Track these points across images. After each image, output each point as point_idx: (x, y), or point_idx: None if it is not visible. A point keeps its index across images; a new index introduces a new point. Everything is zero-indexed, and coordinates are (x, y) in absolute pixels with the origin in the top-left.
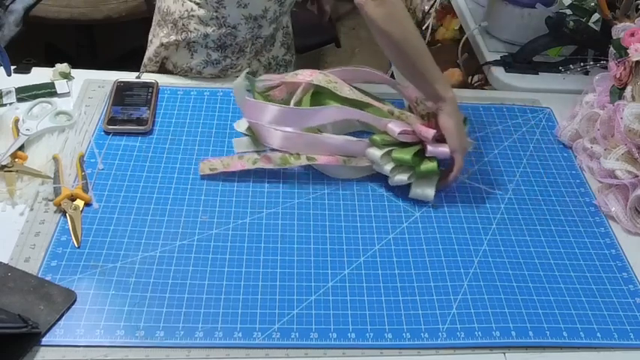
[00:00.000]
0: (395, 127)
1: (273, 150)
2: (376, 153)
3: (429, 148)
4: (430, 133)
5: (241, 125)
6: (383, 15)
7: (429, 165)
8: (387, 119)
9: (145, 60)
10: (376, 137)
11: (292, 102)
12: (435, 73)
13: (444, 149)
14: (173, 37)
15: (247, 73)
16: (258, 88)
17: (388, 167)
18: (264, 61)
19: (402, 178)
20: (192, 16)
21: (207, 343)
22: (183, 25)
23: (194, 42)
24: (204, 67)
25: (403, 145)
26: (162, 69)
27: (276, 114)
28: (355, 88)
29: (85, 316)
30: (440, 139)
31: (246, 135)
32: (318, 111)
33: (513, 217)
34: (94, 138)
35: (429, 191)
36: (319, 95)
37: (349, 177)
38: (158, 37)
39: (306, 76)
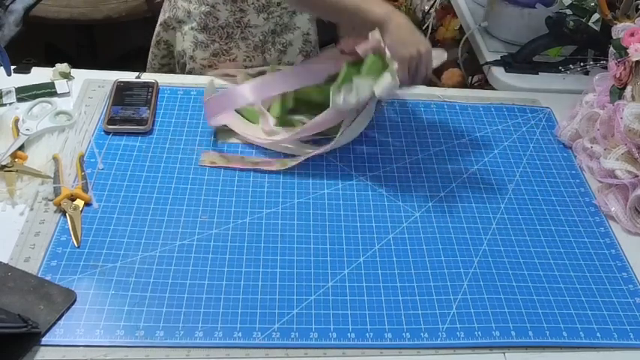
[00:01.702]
0: (347, 46)
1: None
2: (339, 97)
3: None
4: (375, 34)
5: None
6: None
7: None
8: (338, 56)
9: (153, 42)
10: (334, 85)
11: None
12: (360, 1)
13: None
14: (167, 15)
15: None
16: None
17: (352, 97)
18: (271, 61)
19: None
20: None
21: (207, 342)
22: (174, 1)
23: (181, 22)
24: (194, 50)
25: (358, 70)
26: (171, 56)
27: (249, 89)
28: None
29: (85, 315)
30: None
31: (225, 126)
32: (282, 76)
33: (513, 217)
34: (94, 138)
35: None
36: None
37: (342, 122)
38: (161, 17)
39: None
